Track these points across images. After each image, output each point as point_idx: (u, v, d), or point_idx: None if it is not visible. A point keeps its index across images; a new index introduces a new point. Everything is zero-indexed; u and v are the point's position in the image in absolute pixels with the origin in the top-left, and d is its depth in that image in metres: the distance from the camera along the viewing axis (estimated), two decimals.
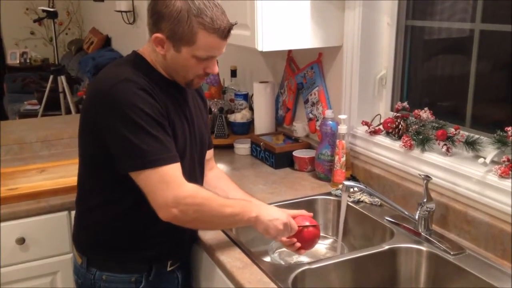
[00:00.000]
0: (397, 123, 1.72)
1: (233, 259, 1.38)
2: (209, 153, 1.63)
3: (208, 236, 1.50)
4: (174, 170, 1.26)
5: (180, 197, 1.24)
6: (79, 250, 1.45)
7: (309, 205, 1.74)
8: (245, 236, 1.65)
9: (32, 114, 4.22)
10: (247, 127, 2.38)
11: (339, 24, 1.86)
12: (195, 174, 1.46)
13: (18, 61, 6.58)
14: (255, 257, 1.38)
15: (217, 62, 2.47)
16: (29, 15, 6.34)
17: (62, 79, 3.88)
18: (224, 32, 1.30)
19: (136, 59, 1.37)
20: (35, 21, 4.24)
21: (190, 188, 1.28)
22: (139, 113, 1.23)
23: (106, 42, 5.35)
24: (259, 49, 1.77)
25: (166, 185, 1.24)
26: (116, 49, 5.21)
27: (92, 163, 1.38)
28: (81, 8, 6.88)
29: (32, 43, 6.78)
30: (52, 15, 3.81)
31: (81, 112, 1.38)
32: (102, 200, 1.38)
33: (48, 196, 1.78)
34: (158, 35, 1.28)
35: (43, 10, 3.83)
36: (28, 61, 6.55)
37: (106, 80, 1.30)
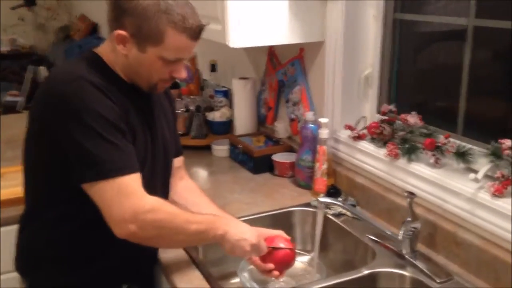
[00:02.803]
0: (382, 128, 1.56)
1: (193, 285, 1.24)
2: (179, 161, 1.48)
3: (168, 255, 1.36)
4: (133, 181, 1.12)
5: (139, 212, 1.10)
6: (21, 272, 1.32)
7: (286, 217, 1.60)
8: (213, 253, 1.52)
9: (12, 106, 4.05)
10: (227, 127, 2.23)
11: (320, 18, 1.69)
12: (156, 186, 1.31)
13: (6, 49, 6.39)
14: (217, 284, 1.23)
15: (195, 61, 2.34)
16: (17, 1, 6.13)
17: (42, 69, 3.71)
18: (196, 33, 1.16)
19: (92, 57, 1.22)
20: (12, 8, 4.05)
21: (151, 202, 1.13)
22: (95, 117, 1.09)
23: (94, 29, 5.16)
24: (230, 45, 1.61)
25: (124, 198, 1.10)
26: (105, 36, 5.03)
27: (43, 173, 1.22)
28: None
29: (21, 29, 6.58)
30: (29, 2, 3.62)
31: (29, 115, 1.22)
32: (51, 218, 1.23)
33: (4, 207, 1.64)
34: (121, 32, 1.14)
35: None
36: (16, 48, 6.35)
37: (58, 79, 1.17)
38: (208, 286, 1.23)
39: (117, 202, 1.10)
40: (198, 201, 1.43)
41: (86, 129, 1.09)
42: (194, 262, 1.34)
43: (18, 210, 1.62)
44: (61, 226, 1.24)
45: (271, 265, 1.25)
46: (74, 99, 1.10)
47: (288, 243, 1.27)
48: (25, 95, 3.96)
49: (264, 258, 1.25)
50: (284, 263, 1.26)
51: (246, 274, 1.41)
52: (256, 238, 1.21)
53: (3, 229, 1.63)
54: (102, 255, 1.25)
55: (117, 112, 1.14)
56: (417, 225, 1.30)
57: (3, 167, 1.92)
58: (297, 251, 1.34)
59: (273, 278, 1.42)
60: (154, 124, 1.30)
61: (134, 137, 1.20)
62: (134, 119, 1.21)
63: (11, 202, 1.65)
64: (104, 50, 1.23)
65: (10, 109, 4.09)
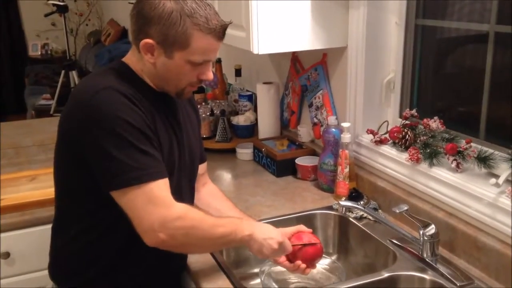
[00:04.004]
0: (404, 133, 1.57)
1: (216, 285, 1.28)
2: (202, 168, 1.51)
3: (193, 258, 1.40)
4: (161, 189, 1.15)
5: (168, 220, 1.13)
6: (54, 280, 1.36)
7: (307, 220, 1.62)
8: (236, 255, 1.55)
9: (46, 109, 4.20)
10: (251, 130, 2.26)
11: (343, 24, 1.71)
12: (182, 192, 1.34)
13: (39, 53, 6.58)
14: (241, 287, 1.27)
15: (220, 65, 2.38)
16: (50, 6, 6.30)
17: (74, 74, 3.83)
18: (220, 33, 1.18)
19: (121, 67, 1.25)
20: (46, 15, 4.19)
21: (179, 210, 1.16)
22: (124, 125, 1.12)
23: (123, 34, 5.28)
24: (255, 51, 1.64)
25: (153, 206, 1.12)
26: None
27: (69, 184, 1.26)
28: None
29: (54, 34, 6.76)
30: (62, 9, 3.74)
31: (58, 125, 1.25)
32: (80, 226, 1.27)
33: (35, 207, 1.70)
34: (148, 40, 1.16)
35: (53, 4, 3.77)
36: (49, 52, 6.54)
37: (86, 89, 1.18)
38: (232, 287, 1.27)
39: (146, 211, 1.12)
40: (220, 206, 1.46)
41: (115, 138, 1.11)
42: (219, 263, 1.37)
43: (50, 211, 1.70)
44: (86, 234, 1.26)
45: (298, 262, 1.27)
46: (101, 109, 1.12)
47: (312, 237, 1.29)
48: (56, 99, 4.11)
49: (293, 256, 1.27)
50: (314, 258, 1.29)
51: (266, 276, 1.44)
52: (282, 237, 1.24)
53: (36, 229, 1.70)
54: (126, 264, 1.28)
55: (144, 120, 1.16)
56: (431, 231, 1.30)
57: (36, 169, 2.00)
58: None
59: (294, 279, 1.46)
60: (180, 130, 1.32)
61: (160, 144, 1.22)
62: (161, 126, 1.23)
63: (44, 203, 1.72)
64: (130, 59, 1.25)
65: (43, 112, 4.26)
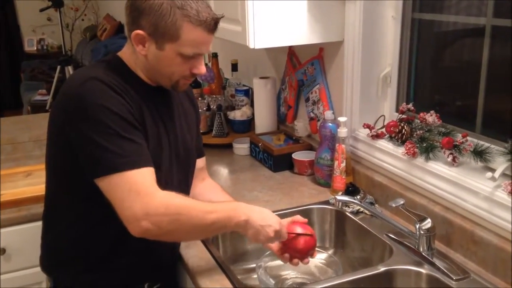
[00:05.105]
0: (400, 127, 1.57)
1: (213, 281, 1.28)
2: (201, 162, 1.51)
3: (190, 254, 1.39)
4: (144, 177, 1.14)
5: (151, 208, 1.10)
6: (46, 272, 1.36)
7: (304, 215, 1.58)
8: (233, 251, 1.55)
9: (42, 105, 4.18)
10: (247, 125, 2.26)
11: (339, 18, 1.70)
12: (174, 185, 1.32)
13: (35, 48, 6.55)
14: (237, 282, 1.27)
15: (216, 60, 2.37)
16: (45, 1, 6.27)
17: (69, 69, 3.81)
18: (211, 25, 1.18)
19: (113, 60, 1.26)
20: (41, 10, 4.17)
21: (162, 197, 1.13)
22: (107, 113, 1.12)
23: (119, 29, 5.26)
24: (251, 46, 1.64)
25: (134, 195, 1.10)
26: None
27: (60, 174, 1.27)
28: None
29: (49, 29, 6.73)
30: (57, 4, 3.72)
31: (49, 116, 1.27)
32: (71, 217, 1.27)
33: (31, 203, 1.70)
34: (139, 32, 1.17)
35: None
36: (45, 48, 6.51)
37: (74, 80, 1.21)
38: (230, 284, 1.26)
39: (128, 200, 1.10)
40: (219, 198, 1.45)
41: (97, 125, 1.12)
42: (215, 259, 1.37)
43: None
44: (77, 225, 1.27)
45: (286, 255, 1.28)
46: (85, 97, 1.13)
47: (306, 228, 1.28)
48: (51, 94, 4.10)
49: (285, 245, 1.27)
50: (305, 249, 1.28)
51: (263, 271, 1.44)
52: (279, 225, 1.23)
53: (32, 225, 1.69)
54: (115, 254, 1.28)
55: (128, 109, 1.16)
56: (428, 225, 1.30)
57: (31, 165, 2.00)
58: (316, 249, 1.36)
59: (290, 274, 1.46)
60: (172, 124, 1.32)
61: (147, 134, 1.22)
62: (148, 117, 1.23)
63: (40, 198, 1.71)
64: (125, 53, 1.26)
65: (39, 108, 4.25)
